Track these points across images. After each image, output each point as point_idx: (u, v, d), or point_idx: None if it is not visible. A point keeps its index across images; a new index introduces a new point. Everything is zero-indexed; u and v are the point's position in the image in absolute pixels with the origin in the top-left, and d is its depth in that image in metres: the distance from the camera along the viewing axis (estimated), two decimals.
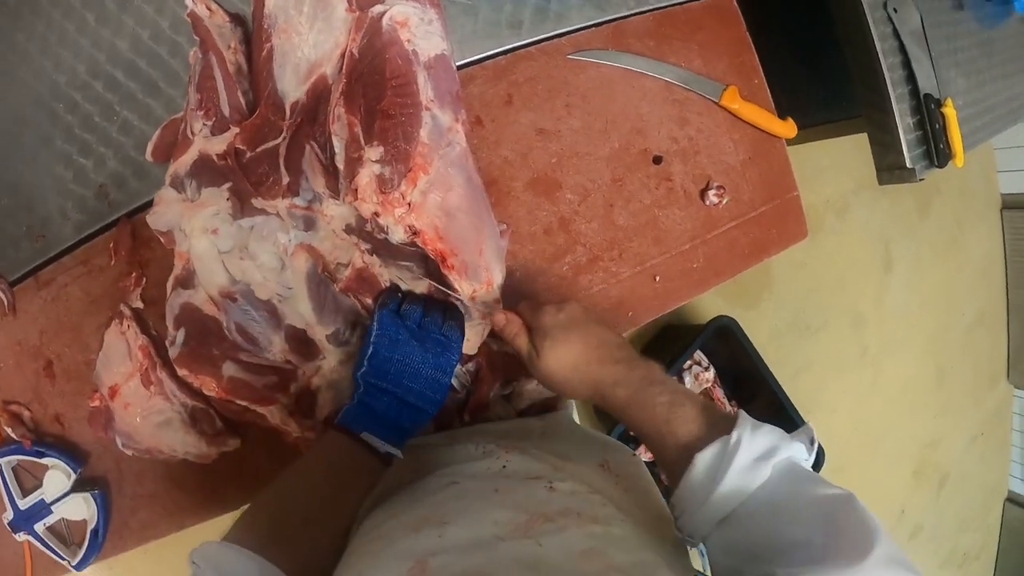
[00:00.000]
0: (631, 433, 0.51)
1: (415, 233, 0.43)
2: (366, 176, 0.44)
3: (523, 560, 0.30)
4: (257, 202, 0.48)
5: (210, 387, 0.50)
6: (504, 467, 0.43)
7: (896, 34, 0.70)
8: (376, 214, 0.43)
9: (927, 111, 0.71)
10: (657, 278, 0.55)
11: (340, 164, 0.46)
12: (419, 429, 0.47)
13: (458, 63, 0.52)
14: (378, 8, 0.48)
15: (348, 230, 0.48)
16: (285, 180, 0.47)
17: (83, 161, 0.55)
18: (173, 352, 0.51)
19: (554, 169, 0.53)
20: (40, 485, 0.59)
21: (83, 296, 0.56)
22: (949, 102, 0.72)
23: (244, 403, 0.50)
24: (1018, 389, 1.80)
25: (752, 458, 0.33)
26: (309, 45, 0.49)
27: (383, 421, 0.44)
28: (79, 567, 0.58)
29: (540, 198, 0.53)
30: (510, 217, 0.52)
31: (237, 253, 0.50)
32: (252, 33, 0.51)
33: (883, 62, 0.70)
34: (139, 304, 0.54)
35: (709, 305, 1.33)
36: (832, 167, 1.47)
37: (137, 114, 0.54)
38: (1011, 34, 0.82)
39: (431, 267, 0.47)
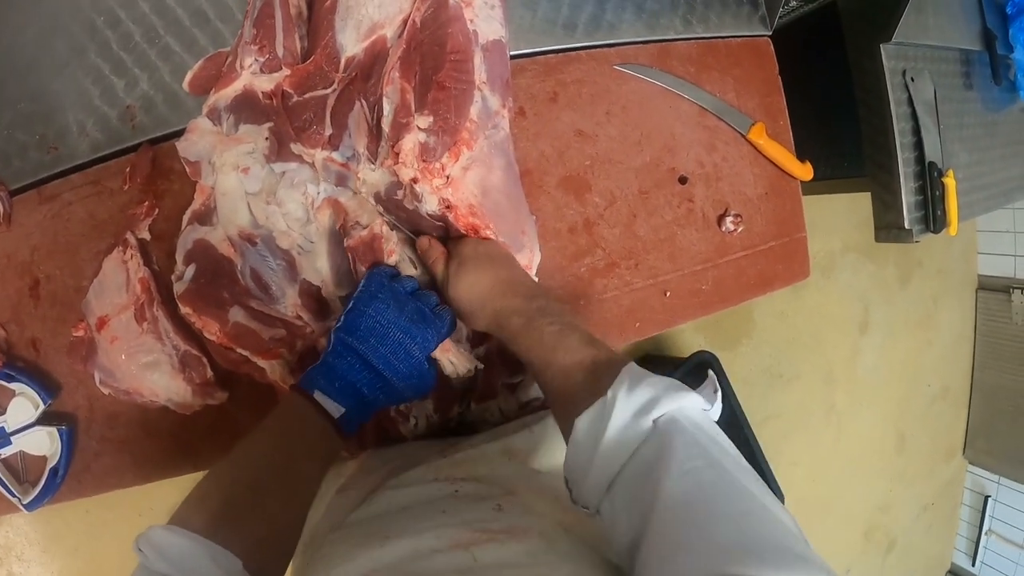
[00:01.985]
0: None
1: (448, 207, 0.45)
2: (411, 141, 0.46)
3: (455, 569, 0.30)
4: (295, 147, 0.49)
5: (212, 330, 0.50)
6: (456, 492, 0.44)
7: (910, 102, 0.77)
8: (414, 180, 0.45)
9: (930, 178, 0.77)
10: (667, 294, 0.59)
11: (387, 127, 0.47)
12: (381, 404, 0.45)
13: (512, 53, 0.55)
14: None
15: (376, 198, 0.50)
16: (328, 132, 0.48)
17: (114, 79, 0.55)
18: (179, 288, 0.51)
19: (586, 171, 0.56)
20: (1, 412, 0.57)
21: (87, 218, 0.55)
22: (951, 173, 0.78)
23: (246, 353, 0.50)
24: (972, 465, 1.91)
25: (631, 413, 0.31)
26: (374, 5, 0.50)
27: (343, 383, 0.43)
28: (29, 507, 0.56)
29: (569, 197, 0.56)
30: (539, 211, 0.55)
31: (264, 197, 0.50)
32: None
33: (895, 126, 0.76)
34: (146, 235, 0.54)
35: (689, 340, 1.38)
36: (823, 225, 1.56)
37: (180, 42, 0.55)
38: (1013, 120, 0.91)
39: None
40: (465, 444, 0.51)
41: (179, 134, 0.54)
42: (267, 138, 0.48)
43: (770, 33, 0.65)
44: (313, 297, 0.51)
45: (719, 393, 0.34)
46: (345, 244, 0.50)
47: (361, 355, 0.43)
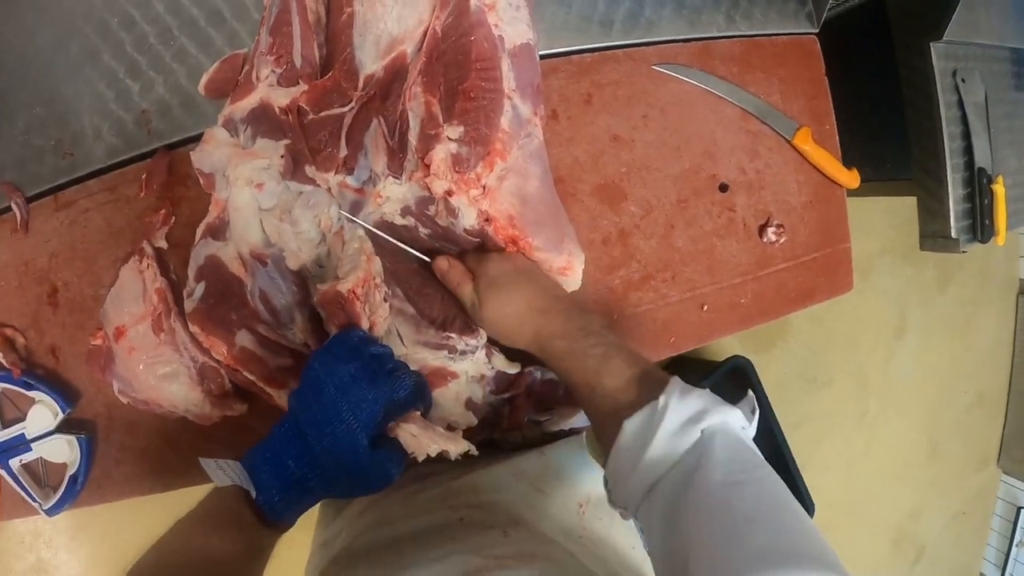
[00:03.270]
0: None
1: (487, 219, 0.43)
2: (442, 151, 0.44)
3: None
4: (310, 171, 0.47)
5: (220, 351, 0.49)
6: (461, 519, 0.43)
7: (960, 104, 0.73)
8: (449, 192, 0.43)
9: (979, 185, 0.73)
10: (705, 307, 0.56)
11: (413, 139, 0.45)
12: (317, 490, 0.38)
13: (544, 52, 0.53)
14: None
15: (405, 212, 0.48)
16: (343, 153, 0.46)
17: (129, 82, 0.54)
18: (188, 305, 0.50)
19: (622, 179, 0.54)
20: (21, 418, 0.57)
21: (104, 225, 0.54)
22: (1000, 180, 0.75)
23: (252, 378, 0.49)
24: (1006, 474, 1.87)
25: (680, 422, 0.33)
26: (392, 18, 0.48)
27: (272, 454, 0.37)
28: (50, 512, 0.57)
29: (604, 206, 0.53)
30: (572, 220, 0.52)
31: (278, 214, 0.49)
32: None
33: (944, 130, 0.73)
34: (163, 244, 0.53)
35: (723, 342, 1.36)
36: (861, 227, 1.52)
37: (196, 43, 0.53)
38: None
39: None
40: (479, 465, 0.50)
41: (196, 139, 0.53)
42: (282, 156, 0.47)
43: (817, 31, 0.62)
44: (320, 324, 0.49)
45: (757, 413, 0.35)
46: (313, 299, 0.45)
47: (294, 417, 0.37)
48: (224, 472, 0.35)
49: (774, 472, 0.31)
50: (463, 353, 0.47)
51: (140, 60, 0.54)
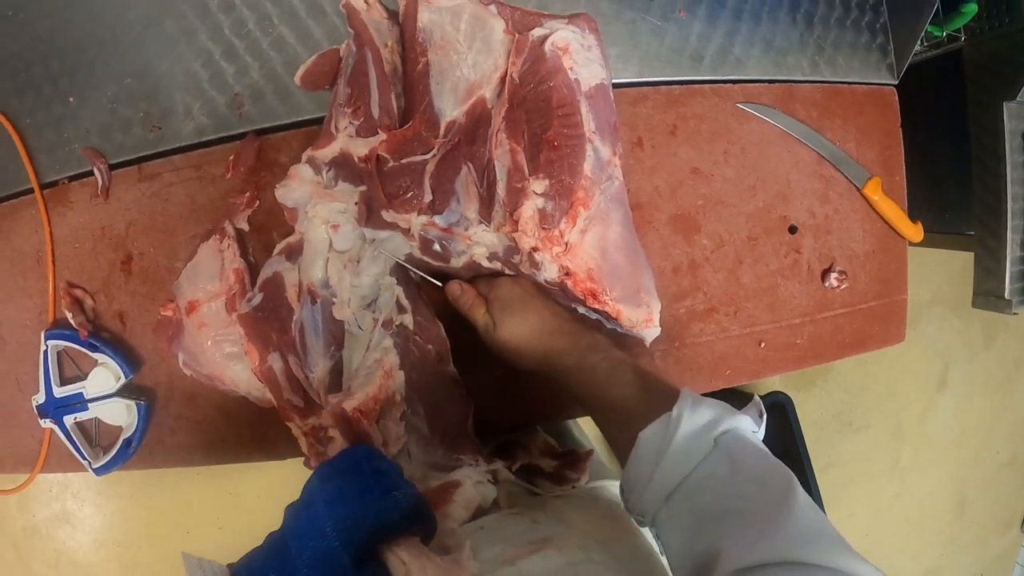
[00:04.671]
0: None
1: (567, 274, 0.46)
2: (530, 209, 0.47)
3: None
4: (387, 215, 0.50)
5: (252, 359, 0.52)
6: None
7: None
8: (535, 248, 0.46)
9: None
10: (762, 344, 0.59)
11: (502, 192, 0.48)
12: None
13: (635, 80, 0.55)
14: (538, 32, 0.51)
15: (492, 258, 0.51)
16: (427, 198, 0.49)
17: (224, 65, 0.57)
18: (243, 308, 0.52)
19: (698, 211, 0.56)
20: (81, 378, 0.60)
21: (186, 200, 0.57)
22: None
23: (269, 397, 0.52)
24: None
25: (693, 431, 0.36)
26: (468, 65, 0.51)
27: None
28: (99, 471, 0.60)
29: (677, 236, 0.56)
30: (645, 247, 0.55)
31: (345, 259, 0.52)
32: (405, 42, 0.52)
33: (1009, 190, 0.75)
34: (244, 226, 0.56)
35: None
36: (914, 276, 1.54)
37: (295, 33, 0.56)
38: None
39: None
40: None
41: (288, 127, 0.56)
42: (356, 203, 0.50)
43: (896, 82, 0.64)
44: (338, 381, 0.52)
45: (764, 416, 0.39)
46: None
47: (283, 527, 0.35)
48: (202, 572, 0.32)
49: (787, 467, 0.34)
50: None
51: (237, 44, 0.57)
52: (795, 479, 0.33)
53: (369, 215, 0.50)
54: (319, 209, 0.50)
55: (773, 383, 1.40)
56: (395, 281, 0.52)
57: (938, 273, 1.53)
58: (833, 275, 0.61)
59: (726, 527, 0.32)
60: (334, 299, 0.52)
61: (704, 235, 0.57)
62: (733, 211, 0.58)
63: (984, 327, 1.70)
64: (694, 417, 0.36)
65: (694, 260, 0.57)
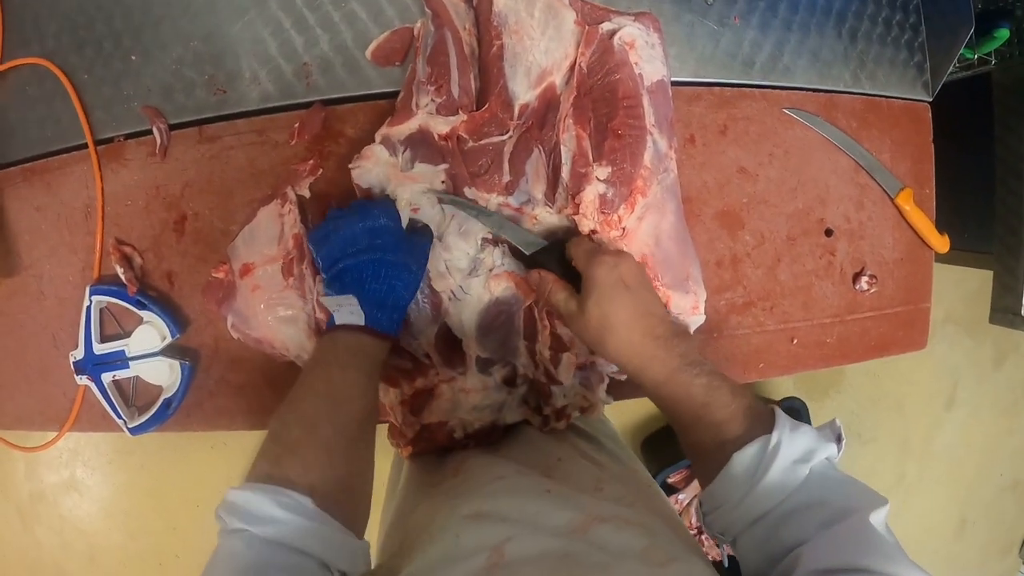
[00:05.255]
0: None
1: None
2: (591, 193, 0.50)
3: (596, 544, 0.35)
4: (470, 191, 0.53)
5: None
6: (559, 460, 0.49)
7: None
8: (594, 231, 0.49)
9: None
10: (794, 340, 0.62)
11: (566, 175, 0.50)
12: (383, 276, 0.47)
13: (691, 79, 0.58)
14: (608, 26, 0.55)
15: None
16: (506, 178, 0.52)
17: (294, 34, 0.59)
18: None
19: (743, 209, 0.59)
20: (121, 336, 0.60)
21: (246, 164, 0.59)
22: None
23: None
24: None
25: (791, 460, 0.37)
26: (540, 51, 0.55)
27: (333, 278, 0.48)
28: (135, 431, 0.61)
29: (723, 230, 0.59)
30: (692, 239, 0.58)
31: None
32: (480, 25, 0.55)
33: None
34: (306, 193, 0.58)
35: (778, 381, 1.43)
36: None
37: (367, 9, 0.58)
38: None
39: None
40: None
41: (355, 99, 0.58)
42: (443, 181, 0.52)
43: (931, 99, 0.68)
44: (448, 343, 0.55)
45: (843, 443, 0.40)
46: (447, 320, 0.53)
47: (328, 240, 0.48)
48: (339, 313, 0.45)
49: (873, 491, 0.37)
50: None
51: (308, 15, 0.59)
52: (879, 500, 0.35)
53: (455, 190, 0.53)
54: (401, 191, 0.52)
55: (788, 388, 1.45)
56: (492, 248, 0.53)
57: (953, 292, 1.60)
58: (864, 279, 0.64)
59: (809, 543, 0.33)
60: (430, 273, 0.53)
61: (747, 231, 0.61)
62: (775, 211, 0.61)
63: (995, 348, 1.76)
64: (792, 445, 0.37)
65: (736, 255, 0.60)
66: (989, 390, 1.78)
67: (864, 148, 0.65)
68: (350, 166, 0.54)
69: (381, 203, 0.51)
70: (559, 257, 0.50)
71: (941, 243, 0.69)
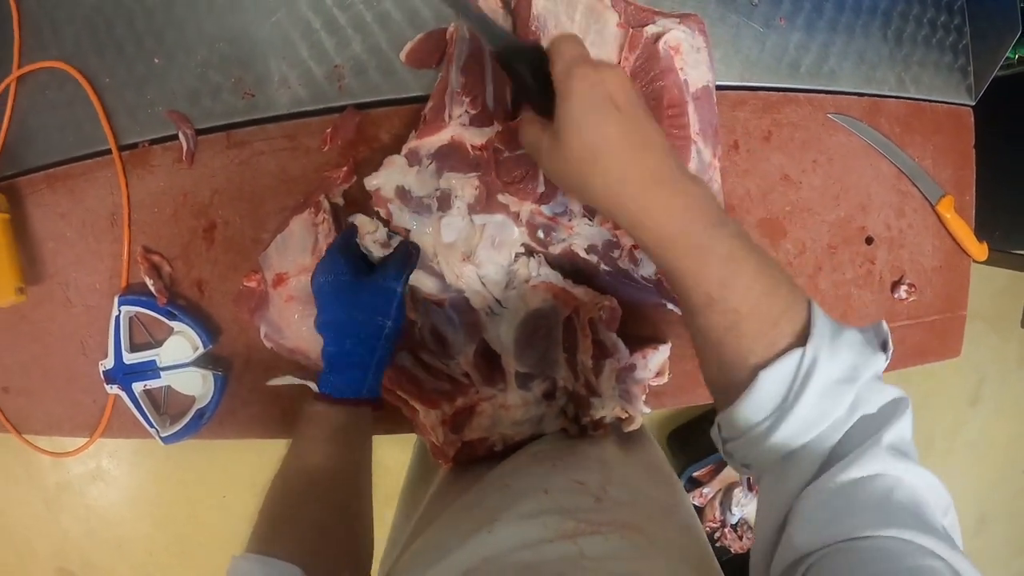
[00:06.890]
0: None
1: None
2: None
3: (567, 558, 0.34)
4: (503, 197, 0.52)
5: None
6: (555, 465, 0.48)
7: None
8: (635, 246, 0.48)
9: None
10: None
11: None
12: (347, 339, 0.47)
13: (736, 83, 0.57)
14: (652, 29, 0.54)
15: (591, 250, 0.54)
16: (540, 189, 0.52)
17: (325, 36, 0.58)
18: None
19: (785, 217, 0.59)
20: (151, 344, 0.61)
21: (277, 171, 0.58)
22: None
23: (404, 396, 0.55)
24: None
25: (832, 380, 0.29)
26: None
27: (342, 368, 0.47)
28: (167, 440, 0.61)
29: (765, 239, 0.59)
30: None
31: (460, 255, 0.53)
32: (518, 29, 0.53)
33: None
34: (339, 201, 0.57)
35: None
36: None
37: (401, 10, 0.57)
38: None
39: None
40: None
41: (389, 103, 0.58)
42: (476, 188, 0.51)
43: (973, 103, 0.67)
44: (487, 360, 0.55)
45: (890, 351, 0.33)
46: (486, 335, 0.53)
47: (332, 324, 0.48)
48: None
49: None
50: None
51: (339, 16, 0.58)
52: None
53: (488, 200, 0.52)
54: (358, 220, 0.51)
55: None
56: (527, 260, 0.53)
57: (981, 289, 1.57)
58: (903, 287, 0.64)
59: (862, 508, 0.29)
60: (465, 294, 0.53)
61: (789, 240, 0.61)
62: (817, 219, 0.61)
63: (1021, 347, 1.78)
64: (832, 364, 0.29)
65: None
66: (1013, 388, 1.80)
67: (907, 154, 0.65)
68: (366, 179, 0.52)
69: (329, 251, 0.50)
70: (537, 66, 0.37)
71: (979, 251, 0.69)
